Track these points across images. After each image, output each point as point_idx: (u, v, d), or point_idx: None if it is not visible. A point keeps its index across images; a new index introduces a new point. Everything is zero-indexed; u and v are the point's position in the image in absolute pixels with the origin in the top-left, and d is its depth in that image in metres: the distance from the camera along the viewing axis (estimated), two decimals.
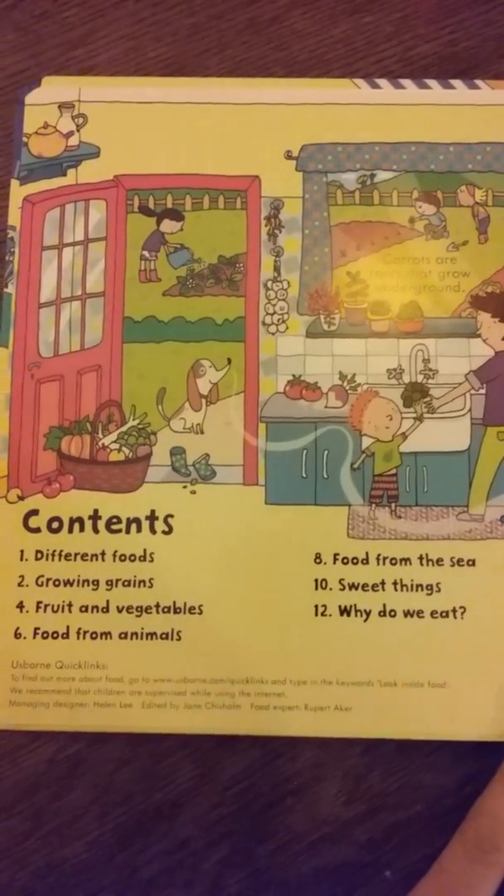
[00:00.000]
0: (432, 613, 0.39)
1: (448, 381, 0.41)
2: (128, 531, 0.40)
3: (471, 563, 0.40)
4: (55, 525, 0.40)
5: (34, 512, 0.40)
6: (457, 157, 0.43)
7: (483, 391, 0.41)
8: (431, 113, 0.43)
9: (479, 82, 0.44)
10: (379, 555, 0.40)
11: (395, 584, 0.40)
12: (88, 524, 0.40)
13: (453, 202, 0.43)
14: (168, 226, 0.42)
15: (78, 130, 0.43)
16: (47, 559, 0.40)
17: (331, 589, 0.40)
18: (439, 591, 0.40)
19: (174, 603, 0.39)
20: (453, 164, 0.43)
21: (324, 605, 0.39)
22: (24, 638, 0.39)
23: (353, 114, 0.43)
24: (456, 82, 0.44)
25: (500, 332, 0.42)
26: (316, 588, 0.40)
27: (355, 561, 0.40)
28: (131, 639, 0.39)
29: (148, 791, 0.39)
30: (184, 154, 0.43)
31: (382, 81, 0.44)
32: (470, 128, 0.43)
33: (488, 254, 0.42)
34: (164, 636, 0.39)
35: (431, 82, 0.44)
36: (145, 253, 0.42)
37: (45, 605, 0.39)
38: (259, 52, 0.45)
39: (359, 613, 0.39)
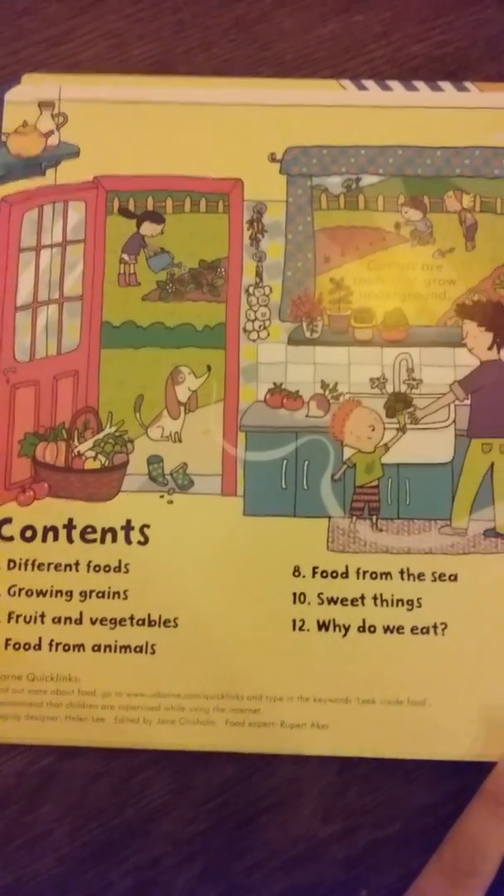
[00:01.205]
0: (413, 629, 0.39)
1: (432, 392, 0.41)
2: (103, 541, 0.39)
3: (453, 578, 0.39)
4: (28, 534, 0.39)
5: (7, 520, 0.39)
6: (444, 161, 0.42)
7: (468, 402, 0.40)
8: (419, 115, 0.42)
9: (468, 84, 0.43)
10: (359, 568, 0.39)
11: (374, 598, 0.39)
12: (63, 533, 0.39)
13: (440, 208, 0.42)
14: (148, 228, 0.41)
15: (58, 129, 0.42)
16: (20, 568, 0.39)
17: (309, 603, 0.39)
18: (420, 606, 0.39)
19: (149, 615, 0.39)
20: (441, 168, 0.42)
21: (302, 620, 0.39)
22: None
23: (339, 116, 0.42)
24: (444, 84, 0.43)
25: (486, 341, 0.41)
26: (294, 602, 0.39)
27: (335, 574, 0.39)
28: (105, 651, 0.38)
29: (121, 806, 0.39)
30: (165, 155, 0.42)
31: (369, 83, 0.43)
32: (458, 131, 0.42)
33: (475, 261, 0.42)
34: (138, 649, 0.38)
35: (419, 84, 0.43)
36: (125, 256, 0.41)
37: (17, 616, 0.39)
38: (245, 51, 0.44)
39: (337, 628, 0.39)
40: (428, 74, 0.44)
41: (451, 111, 0.42)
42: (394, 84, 0.43)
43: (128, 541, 0.39)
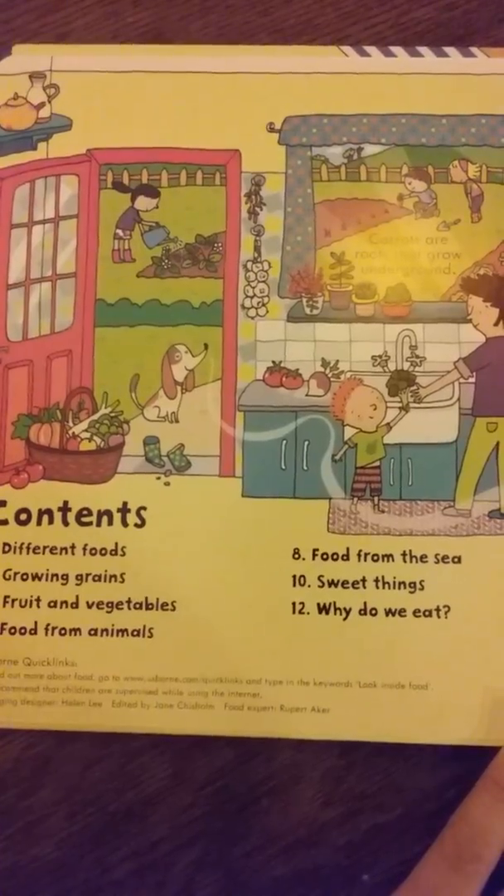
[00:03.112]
0: (415, 612, 0.38)
1: (436, 369, 0.39)
2: (99, 524, 0.39)
3: (456, 559, 0.38)
4: (23, 517, 0.39)
5: (1, 503, 0.39)
6: (449, 129, 0.41)
7: (472, 380, 0.39)
8: (423, 83, 0.41)
9: (474, 50, 0.41)
10: (360, 551, 0.38)
11: (376, 581, 0.38)
12: (58, 516, 0.39)
13: (445, 178, 0.41)
14: (143, 203, 0.40)
15: (49, 101, 0.41)
16: (15, 552, 0.38)
17: (309, 586, 0.38)
18: (423, 589, 0.38)
19: (146, 599, 0.38)
20: (446, 137, 0.41)
21: (301, 603, 0.38)
22: None
23: (340, 83, 0.41)
24: (450, 50, 0.41)
25: (492, 317, 0.40)
26: (294, 585, 0.38)
27: (335, 557, 0.38)
28: (101, 635, 0.38)
29: (119, 790, 0.38)
30: (160, 126, 0.41)
31: (372, 49, 0.41)
32: (464, 99, 0.41)
33: (481, 233, 0.40)
34: (135, 633, 0.38)
35: (424, 50, 0.41)
36: (119, 231, 0.40)
37: (13, 600, 0.38)
38: (243, 16, 0.43)
39: (338, 611, 0.38)
40: (433, 40, 0.42)
41: (456, 78, 0.41)
42: (397, 50, 0.41)
43: (124, 523, 0.39)
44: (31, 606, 0.38)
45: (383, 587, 0.38)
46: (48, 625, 0.38)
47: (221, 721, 0.37)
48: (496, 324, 0.40)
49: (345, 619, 0.38)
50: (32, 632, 0.38)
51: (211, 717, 0.37)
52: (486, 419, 0.39)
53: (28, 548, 0.38)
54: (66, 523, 0.39)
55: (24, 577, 0.38)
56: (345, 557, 0.38)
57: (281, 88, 0.41)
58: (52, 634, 0.38)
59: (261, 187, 0.40)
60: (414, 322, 0.40)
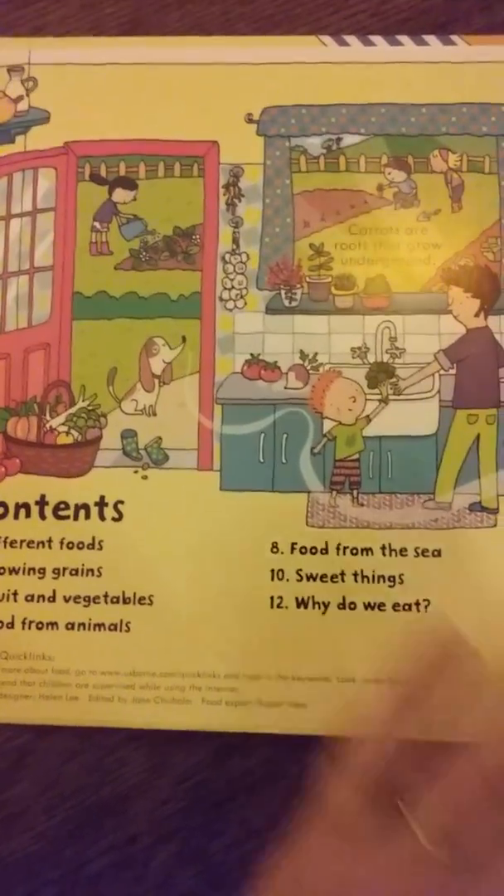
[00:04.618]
0: (394, 606, 0.37)
1: (416, 361, 0.39)
2: (76, 517, 0.38)
3: (436, 553, 0.38)
4: (0, 511, 0.39)
5: None
6: (430, 119, 0.40)
7: (453, 371, 0.39)
8: (403, 72, 0.40)
9: (455, 38, 0.41)
10: (339, 544, 0.38)
11: (355, 575, 0.38)
12: (35, 510, 0.38)
13: (425, 168, 0.40)
14: (120, 195, 0.40)
15: (27, 95, 0.41)
16: None
17: (287, 580, 0.38)
18: (402, 582, 0.38)
19: (123, 593, 0.38)
20: (426, 126, 0.40)
21: (280, 597, 0.38)
22: None
23: (319, 73, 0.40)
24: (430, 38, 0.41)
25: (473, 308, 0.39)
26: (272, 579, 0.38)
27: (314, 550, 0.38)
28: (78, 629, 0.38)
29: (97, 785, 0.38)
30: (138, 118, 0.40)
31: (351, 38, 0.41)
32: (444, 87, 0.40)
33: (461, 224, 0.40)
34: (112, 627, 0.38)
35: (404, 38, 0.41)
36: (96, 224, 0.40)
37: None
38: (221, 7, 0.43)
39: (317, 606, 0.38)
40: (415, 28, 0.42)
41: (436, 66, 0.40)
42: (377, 39, 0.41)
43: (101, 517, 0.38)
44: (7, 600, 0.38)
45: (362, 581, 0.38)
46: (25, 619, 0.38)
47: (199, 715, 0.37)
48: (476, 315, 0.39)
49: (323, 613, 0.38)
50: (9, 626, 0.38)
51: (188, 711, 0.37)
52: (466, 411, 0.39)
53: (5, 541, 0.38)
54: (43, 517, 0.38)
55: (1, 570, 0.38)
56: (323, 551, 0.38)
57: (259, 79, 0.40)
58: (30, 628, 0.38)
59: (239, 179, 0.40)
60: (393, 313, 0.39)
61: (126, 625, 0.38)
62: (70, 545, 0.38)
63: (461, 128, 0.40)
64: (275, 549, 0.38)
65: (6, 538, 0.38)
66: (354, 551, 0.38)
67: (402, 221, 0.40)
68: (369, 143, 0.40)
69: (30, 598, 0.38)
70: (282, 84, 0.40)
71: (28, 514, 0.38)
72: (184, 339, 0.39)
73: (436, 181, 0.40)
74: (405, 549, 0.38)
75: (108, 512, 0.38)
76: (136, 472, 0.39)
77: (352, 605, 0.38)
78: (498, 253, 0.40)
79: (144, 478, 0.39)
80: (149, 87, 0.40)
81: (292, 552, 0.38)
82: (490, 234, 0.40)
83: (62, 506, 0.38)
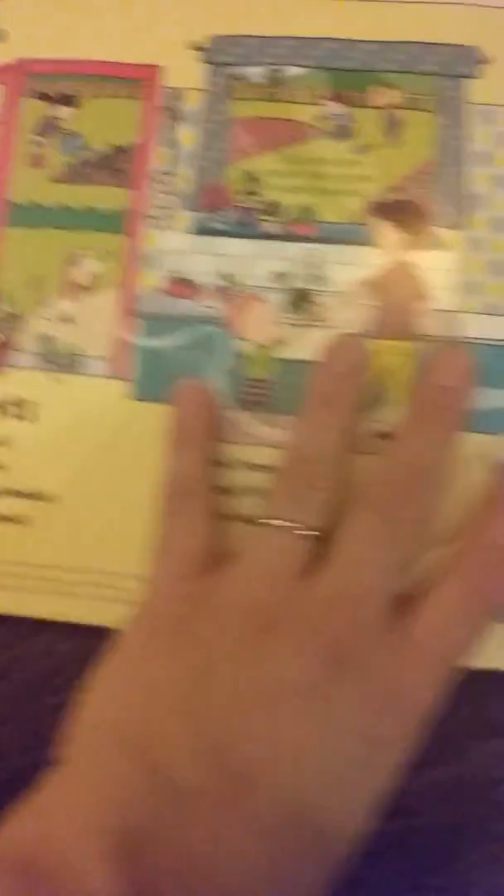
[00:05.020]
0: None
1: (338, 290, 0.39)
2: None
3: None
4: None
5: None
6: (374, 55, 0.41)
7: (375, 303, 0.39)
8: (352, 7, 0.41)
9: None
10: (245, 461, 0.38)
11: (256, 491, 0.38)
12: None
13: (364, 102, 0.40)
14: (63, 112, 0.41)
15: None
16: None
17: None
18: None
19: (29, 489, 0.38)
20: (368, 62, 0.41)
21: None
22: None
23: (266, 4, 0.41)
24: None
25: (399, 241, 0.39)
26: None
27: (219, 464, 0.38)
28: None
29: None
30: (86, 39, 0.42)
31: None
32: (391, 25, 0.41)
33: (396, 158, 0.40)
34: (10, 519, 0.38)
35: None
36: (36, 138, 0.41)
37: None
38: None
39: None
40: None
41: (382, 4, 0.41)
42: None
43: (14, 416, 0.39)
44: None
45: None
46: None
47: (97, 611, 0.37)
48: (402, 248, 0.39)
49: None
50: None
51: (86, 606, 0.37)
52: (386, 343, 0.39)
53: None
54: None
55: None
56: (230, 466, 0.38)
57: (206, 6, 0.41)
58: None
59: (179, 102, 0.41)
60: (319, 242, 0.40)
61: (27, 518, 0.38)
62: None
63: (403, 65, 0.40)
64: None
65: None
66: (259, 468, 0.38)
67: (337, 153, 0.40)
68: (311, 76, 0.41)
69: None
70: (228, 12, 0.41)
71: None
72: (109, 252, 0.40)
73: (374, 116, 0.40)
74: None
75: (21, 412, 0.39)
76: (51, 374, 0.39)
77: None
78: (429, 190, 0.40)
79: (59, 382, 0.39)
80: (99, 9, 0.42)
81: None
82: (424, 170, 0.40)
83: None
